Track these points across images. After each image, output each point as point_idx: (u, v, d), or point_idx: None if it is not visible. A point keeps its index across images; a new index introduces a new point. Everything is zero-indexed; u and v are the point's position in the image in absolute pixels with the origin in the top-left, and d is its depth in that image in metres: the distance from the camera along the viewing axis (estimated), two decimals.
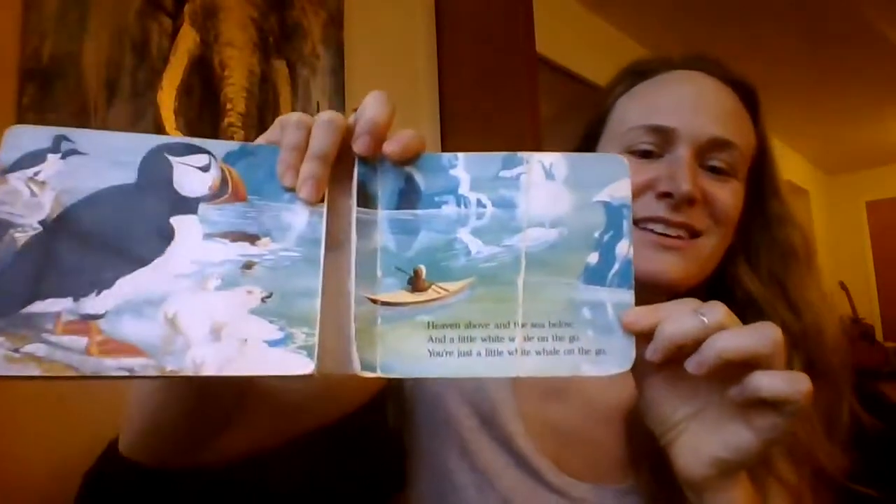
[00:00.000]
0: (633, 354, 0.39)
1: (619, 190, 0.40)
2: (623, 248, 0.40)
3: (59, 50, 1.13)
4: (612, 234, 0.40)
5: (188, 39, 1.32)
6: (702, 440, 0.40)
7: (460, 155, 0.40)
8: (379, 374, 0.37)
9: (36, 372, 0.32)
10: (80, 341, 0.33)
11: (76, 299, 0.34)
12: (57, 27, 1.13)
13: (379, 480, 0.76)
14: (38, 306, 0.33)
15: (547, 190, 0.40)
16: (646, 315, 0.39)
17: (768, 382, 0.36)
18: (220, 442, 0.52)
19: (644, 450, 0.53)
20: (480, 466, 0.60)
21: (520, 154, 0.40)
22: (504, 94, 1.76)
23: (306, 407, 0.58)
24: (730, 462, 0.39)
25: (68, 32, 1.15)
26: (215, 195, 0.37)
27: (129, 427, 0.51)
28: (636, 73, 0.63)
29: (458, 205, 0.39)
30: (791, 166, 4.30)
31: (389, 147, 0.39)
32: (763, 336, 0.37)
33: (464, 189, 0.40)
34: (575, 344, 0.38)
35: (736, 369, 0.37)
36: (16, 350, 0.32)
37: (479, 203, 0.40)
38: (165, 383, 0.46)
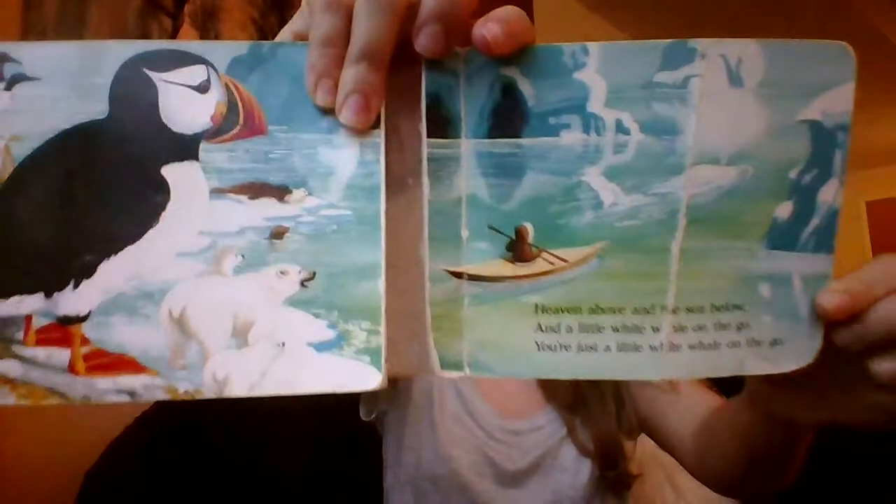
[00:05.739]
0: (820, 344, 0.27)
1: (837, 101, 0.26)
2: (829, 193, 0.27)
3: None
4: (816, 172, 0.26)
5: (188, 39, 1.21)
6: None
7: (592, 46, 0.25)
8: (467, 373, 0.27)
9: (10, 399, 0.24)
10: (61, 354, 0.24)
11: (48, 295, 0.24)
12: (57, 27, 1.13)
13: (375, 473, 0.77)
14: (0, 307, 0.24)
15: (730, 103, 0.25)
16: (856, 292, 0.26)
17: None
18: None
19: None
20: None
21: (691, 42, 0.25)
22: None
23: None
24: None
25: (68, 32, 1.15)
26: (220, 129, 0.25)
27: None
28: None
29: (587, 130, 0.26)
30: None
31: (483, 31, 0.24)
32: None
33: (596, 104, 0.25)
34: (743, 333, 0.27)
35: None
36: None
37: (620, 126, 0.25)
38: None
